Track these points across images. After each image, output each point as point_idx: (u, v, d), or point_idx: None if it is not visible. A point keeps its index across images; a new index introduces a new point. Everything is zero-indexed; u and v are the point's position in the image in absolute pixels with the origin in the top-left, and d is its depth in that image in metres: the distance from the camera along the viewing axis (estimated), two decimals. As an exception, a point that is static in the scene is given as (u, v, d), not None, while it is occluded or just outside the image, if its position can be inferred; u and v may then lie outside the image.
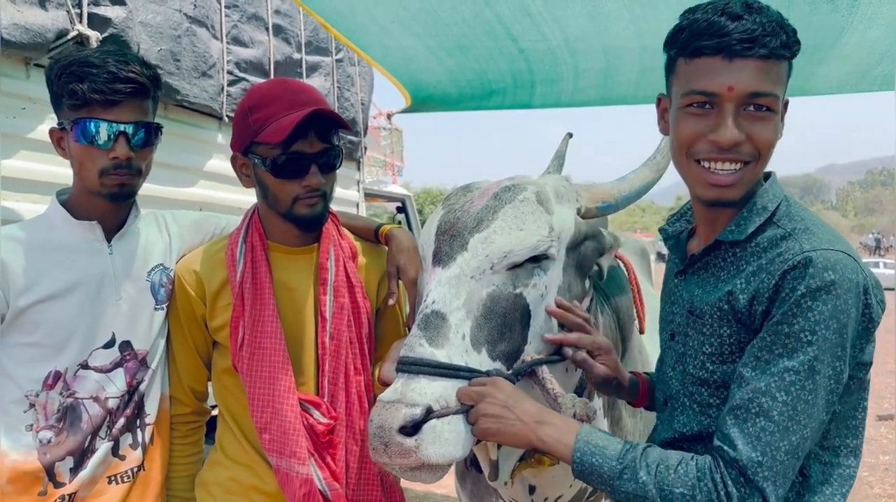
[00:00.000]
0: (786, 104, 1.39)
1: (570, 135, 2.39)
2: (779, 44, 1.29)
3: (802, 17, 2.84)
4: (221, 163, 4.05)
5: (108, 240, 1.84)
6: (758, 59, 1.29)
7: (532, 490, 1.81)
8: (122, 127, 1.72)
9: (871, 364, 1.35)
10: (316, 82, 4.79)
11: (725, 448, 1.25)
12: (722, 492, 1.22)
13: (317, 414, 1.78)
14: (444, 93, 4.55)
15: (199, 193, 3.81)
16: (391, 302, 1.85)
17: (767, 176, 1.43)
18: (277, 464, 1.77)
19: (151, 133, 1.80)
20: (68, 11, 2.96)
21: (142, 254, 1.89)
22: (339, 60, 5.12)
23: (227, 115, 3.98)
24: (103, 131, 1.71)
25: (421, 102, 5.06)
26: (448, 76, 4.07)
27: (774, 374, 1.23)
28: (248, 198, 4.26)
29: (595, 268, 1.79)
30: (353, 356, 1.85)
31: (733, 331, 1.33)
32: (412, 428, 1.33)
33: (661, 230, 1.63)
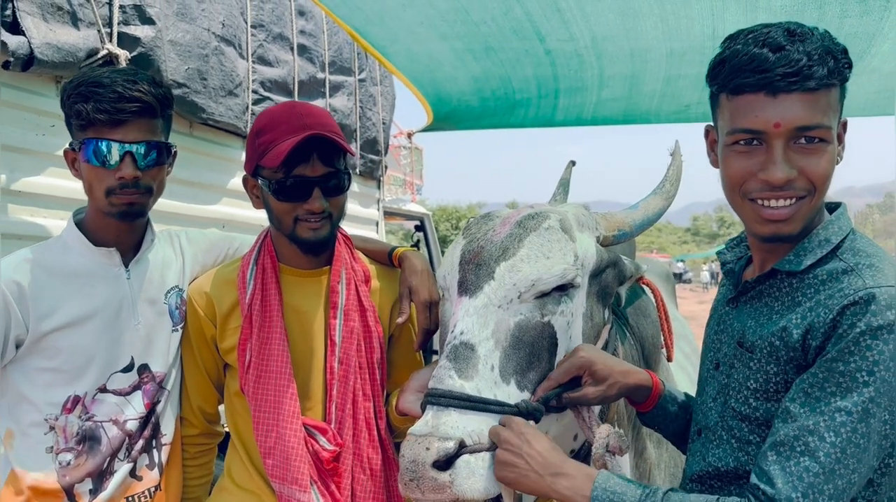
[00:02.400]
0: (844, 124, 1.32)
1: (573, 163, 2.40)
2: (826, 72, 1.23)
3: (834, 21, 2.80)
4: (244, 181, 4.06)
5: (126, 264, 1.85)
6: (804, 91, 1.23)
7: None
8: (128, 146, 1.74)
9: None
10: (339, 102, 4.81)
11: (762, 485, 1.19)
12: None
13: (322, 440, 1.78)
14: (467, 106, 4.57)
15: (222, 211, 3.82)
16: (400, 320, 1.84)
17: (837, 206, 1.38)
18: (280, 491, 1.77)
19: (162, 152, 1.81)
20: (99, 31, 2.99)
21: (158, 277, 1.90)
22: (361, 80, 5.15)
23: (251, 134, 3.99)
24: (109, 151, 1.73)
25: (442, 119, 5.08)
26: (472, 85, 4.09)
27: (825, 413, 1.17)
28: (270, 216, 4.27)
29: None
30: (362, 382, 1.84)
31: (780, 370, 1.28)
32: (445, 463, 1.32)
33: (718, 253, 1.59)
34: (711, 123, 1.43)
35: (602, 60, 3.67)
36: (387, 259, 2.00)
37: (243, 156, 4.00)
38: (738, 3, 2.92)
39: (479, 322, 1.47)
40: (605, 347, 1.69)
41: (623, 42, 3.42)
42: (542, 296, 1.52)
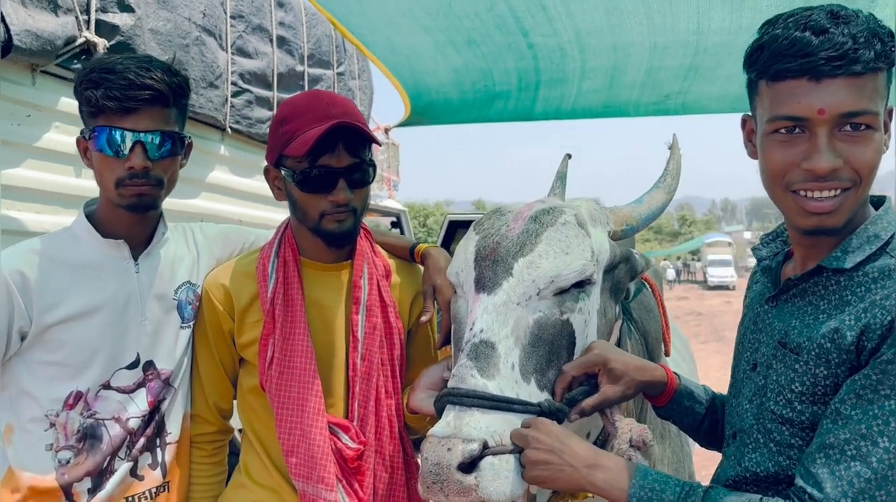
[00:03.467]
0: (890, 112, 1.27)
1: (569, 156, 2.38)
2: (872, 55, 1.17)
3: None
4: (224, 176, 3.99)
5: (135, 258, 1.79)
6: (849, 76, 1.17)
7: None
8: (138, 135, 1.67)
9: None
10: (318, 95, 4.76)
11: (809, 489, 1.15)
12: None
13: (345, 438, 1.73)
14: (446, 98, 4.56)
15: (200, 205, 3.74)
16: (424, 318, 1.80)
17: (882, 201, 1.33)
18: (304, 490, 1.71)
19: (174, 143, 1.74)
20: (77, 18, 2.90)
21: (169, 271, 1.84)
22: (340, 74, 5.08)
23: (231, 127, 3.92)
24: (121, 139, 1.67)
25: (420, 112, 5.05)
26: (453, 77, 4.08)
27: (878, 417, 1.13)
28: (251, 211, 4.22)
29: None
30: (384, 378, 1.80)
31: (830, 373, 1.22)
32: (469, 465, 1.28)
33: (754, 250, 1.54)
34: (748, 113, 1.37)
35: (585, 54, 3.69)
36: (408, 255, 1.96)
37: (222, 149, 3.97)
38: (723, 2, 2.94)
39: (498, 320, 1.43)
40: (617, 343, 1.67)
41: (607, 37, 3.44)
42: (561, 292, 1.50)
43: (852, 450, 1.13)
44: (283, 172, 1.75)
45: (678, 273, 41.27)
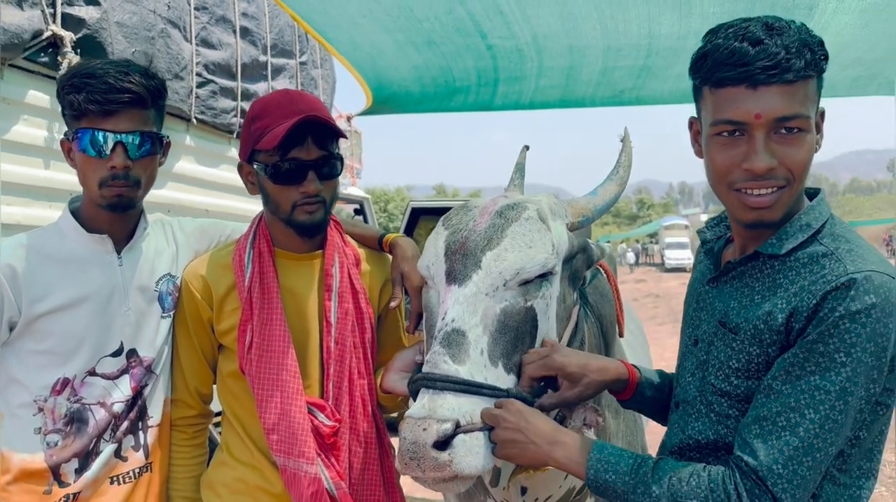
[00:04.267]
0: (822, 114, 1.37)
1: (527, 147, 2.48)
2: (803, 64, 1.27)
3: None
4: (190, 166, 4.03)
5: (118, 252, 1.88)
6: (783, 84, 1.27)
7: (523, 491, 1.90)
8: (119, 136, 1.76)
9: None
10: (280, 84, 4.81)
11: (745, 457, 1.26)
12: None
13: (322, 416, 1.84)
14: (407, 91, 4.63)
15: (167, 196, 3.79)
16: (393, 304, 1.92)
17: (817, 192, 1.43)
18: (284, 464, 1.81)
19: (153, 142, 1.83)
20: (43, 11, 2.93)
21: (150, 264, 1.93)
22: (302, 63, 5.14)
23: (196, 118, 3.97)
24: (102, 141, 1.75)
25: (382, 103, 5.12)
26: (413, 73, 4.15)
27: (805, 392, 1.23)
28: (217, 200, 4.28)
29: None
30: (356, 360, 1.91)
31: (762, 351, 1.33)
32: (443, 443, 1.39)
33: (699, 232, 1.65)
34: (694, 115, 1.48)
35: (542, 55, 3.79)
36: (377, 244, 2.06)
37: (188, 140, 4.01)
38: (672, 10, 3.07)
39: (468, 309, 1.54)
40: (575, 327, 1.79)
41: (563, 40, 3.54)
42: (525, 283, 1.60)
43: (783, 422, 1.24)
44: (255, 167, 1.84)
45: (637, 256, 41.90)
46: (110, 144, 1.75)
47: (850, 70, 3.71)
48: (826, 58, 1.33)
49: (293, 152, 1.79)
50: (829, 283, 1.25)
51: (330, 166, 1.85)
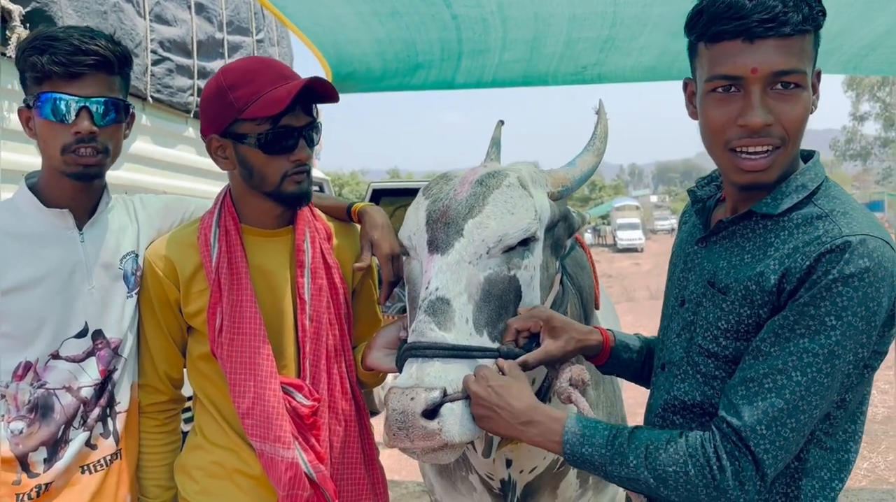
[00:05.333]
0: (818, 74, 1.36)
1: (502, 122, 2.47)
2: (801, 18, 1.26)
3: None
4: (146, 146, 3.92)
5: (80, 228, 1.79)
6: (780, 37, 1.26)
7: (509, 463, 1.89)
8: (85, 101, 1.67)
9: (886, 353, 1.33)
10: (238, 63, 4.70)
11: (729, 418, 1.26)
12: (715, 467, 1.24)
13: (299, 396, 1.79)
14: (368, 68, 4.55)
15: (123, 177, 3.68)
16: (357, 265, 1.87)
17: (811, 155, 1.42)
18: (261, 449, 1.77)
19: (119, 110, 1.74)
20: (-11, -16, 2.80)
21: (114, 241, 1.84)
22: (259, 41, 5.03)
23: (152, 96, 3.85)
24: (66, 106, 1.66)
25: (341, 80, 5.03)
26: (376, 47, 4.08)
27: (793, 353, 1.23)
28: (174, 181, 4.17)
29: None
30: (333, 337, 1.86)
31: (753, 313, 1.32)
32: (431, 412, 1.37)
33: (689, 192, 1.62)
34: (689, 76, 1.46)
35: (507, 24, 3.76)
36: (345, 215, 2.01)
37: (144, 119, 3.89)
38: (640, -26, 3.08)
39: (452, 278, 1.52)
40: (558, 295, 1.78)
41: (528, 8, 3.52)
42: (508, 250, 1.59)
43: (769, 383, 1.24)
44: (233, 140, 1.75)
45: (596, 232, 42.51)
46: (74, 109, 1.66)
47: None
48: (824, 13, 1.32)
49: (285, 119, 1.71)
50: (823, 245, 1.24)
51: (314, 131, 1.80)
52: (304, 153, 1.75)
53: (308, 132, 1.77)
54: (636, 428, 1.38)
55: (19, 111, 1.74)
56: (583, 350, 1.66)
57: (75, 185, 1.75)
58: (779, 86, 1.29)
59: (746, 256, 1.37)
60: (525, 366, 1.55)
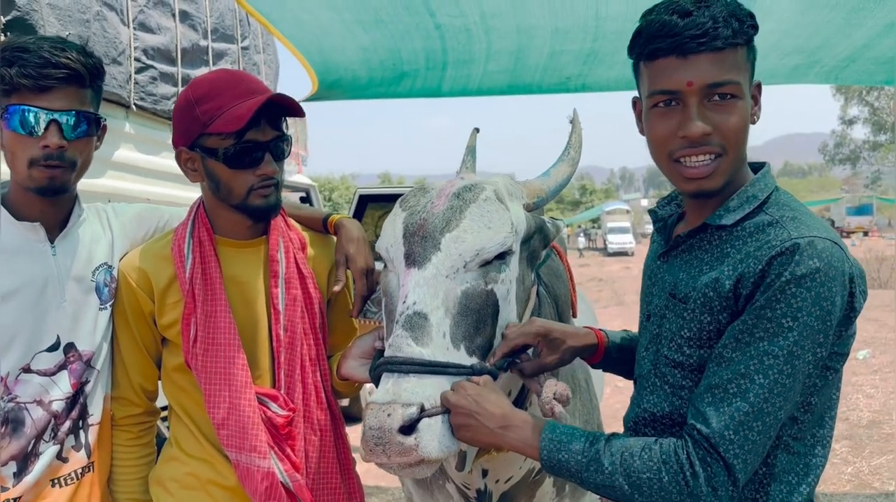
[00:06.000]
0: (758, 86, 1.43)
1: (478, 129, 2.49)
2: (731, 32, 1.33)
3: None
4: (130, 154, 3.92)
5: (52, 240, 1.77)
6: (712, 51, 1.32)
7: (485, 473, 1.90)
8: (54, 114, 1.66)
9: (847, 355, 1.38)
10: (223, 70, 4.70)
11: (698, 425, 1.28)
12: (688, 473, 1.26)
13: (274, 406, 1.79)
14: (354, 76, 4.57)
15: (106, 184, 3.68)
16: (337, 288, 1.87)
17: (762, 166, 1.48)
18: (237, 459, 1.77)
19: (90, 123, 1.73)
20: (-31, -8, 2.80)
21: (86, 253, 1.83)
22: (244, 48, 5.03)
23: (135, 104, 3.85)
24: (34, 118, 1.64)
25: (328, 88, 5.04)
26: (361, 55, 4.10)
27: (754, 357, 1.26)
28: (158, 189, 4.17)
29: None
30: (307, 347, 1.87)
31: (713, 319, 1.36)
32: (408, 428, 1.37)
33: (650, 212, 1.67)
34: (637, 94, 1.52)
35: (490, 35, 3.78)
36: (321, 226, 2.01)
37: (127, 127, 3.89)
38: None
39: (429, 292, 1.52)
40: (535, 307, 1.80)
41: (511, 19, 3.54)
42: (485, 264, 1.59)
43: (734, 389, 1.27)
44: (200, 153, 1.76)
45: (580, 240, 42.64)
46: (43, 123, 1.65)
47: (790, 58, 3.81)
48: (755, 28, 1.38)
49: (249, 134, 1.72)
50: (773, 248, 1.28)
51: (283, 147, 1.80)
52: (269, 167, 1.76)
53: (275, 146, 1.77)
54: (612, 435, 1.40)
55: None
56: (577, 354, 1.69)
57: (41, 200, 1.74)
58: (715, 97, 1.35)
59: (705, 266, 1.41)
60: (521, 373, 1.61)
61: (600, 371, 1.86)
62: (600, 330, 1.76)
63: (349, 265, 1.88)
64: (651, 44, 1.37)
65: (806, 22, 3.24)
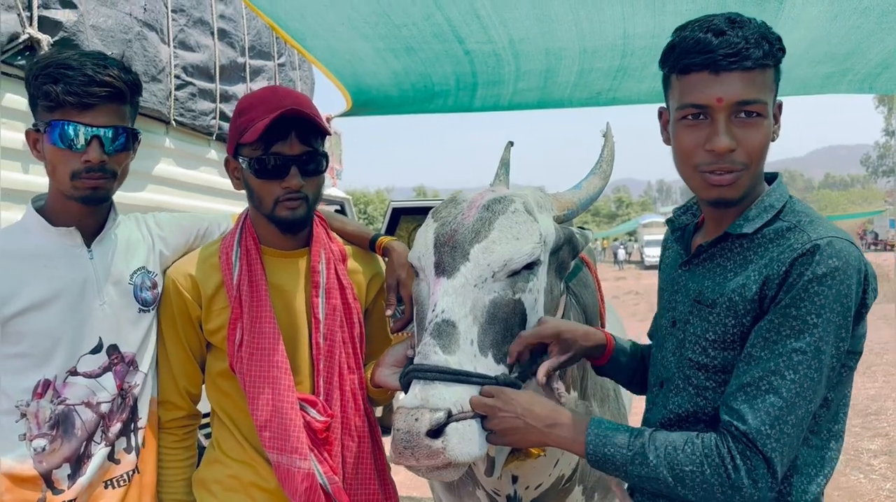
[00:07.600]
0: (780, 106, 1.50)
1: (512, 143, 2.52)
2: (761, 54, 1.39)
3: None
4: (169, 168, 4.02)
5: (88, 245, 1.84)
6: (742, 70, 1.38)
7: (515, 480, 1.93)
8: (96, 130, 1.73)
9: (860, 353, 1.44)
10: (259, 86, 4.80)
11: (735, 422, 1.34)
12: (730, 466, 1.32)
13: (313, 412, 1.85)
14: (387, 95, 4.64)
15: (147, 198, 3.78)
16: (388, 312, 1.92)
17: (775, 177, 1.55)
18: (278, 461, 1.82)
19: (128, 138, 1.81)
20: (19, 14, 2.91)
21: (123, 257, 1.90)
22: (281, 65, 5.14)
23: (175, 120, 3.96)
24: (76, 134, 1.72)
25: (361, 105, 5.13)
26: (393, 79, 4.16)
27: (783, 354, 1.33)
28: (197, 202, 4.28)
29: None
30: (346, 355, 1.92)
31: (738, 322, 1.42)
32: (436, 432, 1.42)
33: (668, 222, 1.72)
34: (663, 105, 1.58)
35: (519, 59, 3.82)
36: (367, 245, 2.07)
37: (167, 142, 4.01)
38: (646, 8, 3.12)
39: (458, 301, 1.57)
40: (562, 317, 1.82)
41: (539, 43, 3.57)
42: (513, 274, 1.64)
43: (766, 385, 1.33)
44: (240, 161, 1.85)
45: (628, 252, 42.18)
46: (83, 138, 1.72)
47: (822, 66, 3.77)
48: (783, 51, 1.45)
49: (276, 147, 1.80)
50: (795, 251, 1.35)
51: (315, 162, 1.86)
52: (295, 181, 1.81)
53: (303, 161, 1.83)
54: (655, 430, 1.45)
55: (27, 133, 1.80)
56: (586, 354, 1.74)
57: (82, 208, 1.81)
58: (742, 114, 1.41)
59: (729, 273, 1.47)
60: (545, 374, 1.64)
61: None
62: (610, 334, 1.81)
63: (401, 289, 1.91)
64: (685, 58, 1.43)
65: (836, 28, 3.20)
